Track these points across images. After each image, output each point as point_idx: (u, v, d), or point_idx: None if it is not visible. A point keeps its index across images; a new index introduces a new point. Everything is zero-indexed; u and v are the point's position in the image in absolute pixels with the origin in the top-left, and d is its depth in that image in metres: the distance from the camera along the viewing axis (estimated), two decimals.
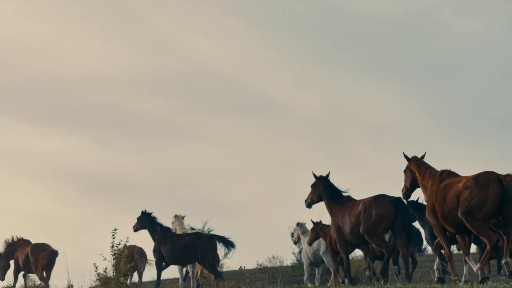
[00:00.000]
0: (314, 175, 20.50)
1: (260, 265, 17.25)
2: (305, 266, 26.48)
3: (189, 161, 63.42)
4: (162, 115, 65.86)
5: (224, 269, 46.04)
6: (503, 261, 14.36)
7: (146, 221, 25.14)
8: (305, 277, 26.12)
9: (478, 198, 14.07)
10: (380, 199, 18.71)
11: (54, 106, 64.53)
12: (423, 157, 16.33)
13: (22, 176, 60.84)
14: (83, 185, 61.56)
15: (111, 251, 18.46)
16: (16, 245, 27.60)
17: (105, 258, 20.03)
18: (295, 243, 28.42)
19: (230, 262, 48.40)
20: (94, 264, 20.03)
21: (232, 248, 23.90)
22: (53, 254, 26.56)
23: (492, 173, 14.34)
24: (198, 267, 25.24)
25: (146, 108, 65.33)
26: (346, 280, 19.79)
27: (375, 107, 65.61)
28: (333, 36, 67.12)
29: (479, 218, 14.08)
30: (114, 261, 18.56)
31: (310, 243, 24.91)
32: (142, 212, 25.47)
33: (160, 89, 66.20)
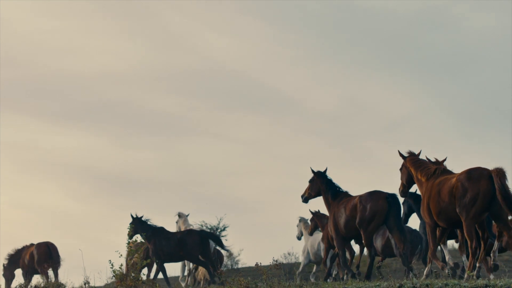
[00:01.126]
0: (312, 171, 20.80)
1: (276, 261, 17.25)
2: (303, 263, 26.70)
3: (204, 157, 63.42)
4: (176, 111, 65.90)
5: (240, 266, 46.15)
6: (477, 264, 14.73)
7: (139, 226, 25.03)
8: (299, 270, 26.17)
9: (471, 193, 14.33)
10: (375, 195, 19.03)
11: (68, 103, 64.66)
12: (419, 154, 16.59)
13: (36, 174, 61.03)
14: (97, 182, 61.68)
15: (127, 248, 18.49)
16: (19, 254, 27.65)
17: (121, 255, 20.07)
18: (299, 238, 28.55)
19: (245, 258, 48.50)
20: (110, 260, 20.08)
21: (222, 247, 24.98)
22: (51, 251, 26.61)
23: (484, 169, 14.52)
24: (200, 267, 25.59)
25: (160, 105, 65.38)
26: (330, 278, 20.21)
27: (390, 103, 65.44)
28: (347, 32, 66.97)
29: (470, 217, 14.39)
30: (128, 257, 18.60)
31: (310, 233, 25.58)
32: (132, 217, 25.25)
33: (174, 86, 66.24)
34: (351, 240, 20.30)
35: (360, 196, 19.32)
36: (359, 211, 18.97)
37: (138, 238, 25.11)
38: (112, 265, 18.42)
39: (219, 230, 46.96)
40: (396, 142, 64.88)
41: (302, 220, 27.56)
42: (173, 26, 66.12)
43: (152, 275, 25.97)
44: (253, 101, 66.20)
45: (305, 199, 21.13)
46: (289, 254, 40.66)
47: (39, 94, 64.42)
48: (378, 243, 22.63)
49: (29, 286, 18.10)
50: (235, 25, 67.01)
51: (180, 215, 27.21)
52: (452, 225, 15.26)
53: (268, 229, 28.81)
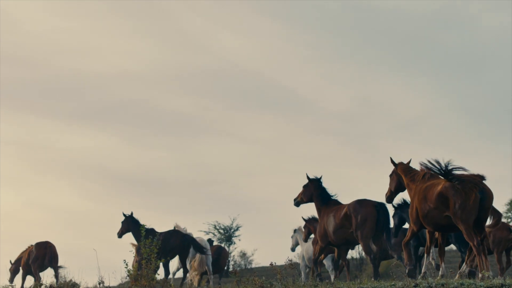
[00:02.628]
0: (308, 177, 21.46)
1: (291, 260, 17.24)
2: (302, 270, 27.11)
3: (218, 157, 63.45)
4: (191, 111, 65.94)
5: (254, 265, 46.15)
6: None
7: (130, 224, 25.77)
8: (302, 277, 26.41)
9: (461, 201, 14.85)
10: (363, 202, 19.98)
11: (83, 103, 64.79)
12: (408, 163, 17.11)
13: (51, 173, 61.19)
14: (112, 182, 61.81)
15: (142, 248, 18.46)
16: (22, 254, 28.33)
17: (135, 255, 20.04)
18: (293, 249, 29.19)
19: (259, 258, 48.56)
20: (124, 260, 20.06)
21: (203, 253, 25.82)
22: (53, 256, 27.15)
23: (462, 174, 15.04)
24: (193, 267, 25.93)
25: (175, 105, 65.45)
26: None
27: (403, 103, 65.29)
28: (361, 32, 66.82)
29: (469, 220, 14.87)
30: (139, 257, 18.60)
31: (305, 239, 26.64)
32: (125, 215, 26.04)
33: (189, 86, 66.30)
34: (337, 246, 21.12)
35: (349, 205, 20.13)
36: (350, 220, 19.85)
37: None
38: (126, 264, 18.42)
39: (232, 230, 47.02)
40: (410, 142, 64.79)
41: (297, 231, 28.20)
42: (188, 27, 66.19)
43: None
44: (268, 101, 66.21)
45: (297, 203, 21.82)
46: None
47: (54, 95, 64.63)
48: (374, 246, 22.55)
49: (43, 286, 18.08)
50: (250, 26, 67.06)
51: (176, 226, 27.57)
52: (438, 229, 15.92)
53: (282, 229, 28.98)
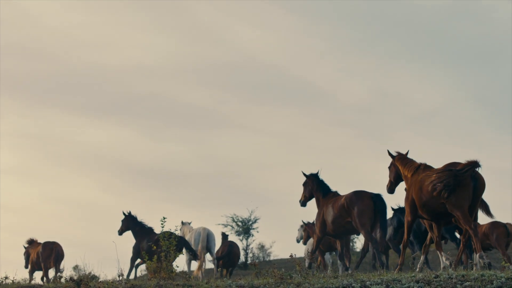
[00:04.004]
0: (304, 174, 22.19)
1: (310, 252, 17.25)
2: (306, 263, 27.56)
3: (235, 150, 63.45)
4: (208, 104, 65.94)
5: (272, 258, 46.15)
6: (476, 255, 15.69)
7: (130, 222, 26.83)
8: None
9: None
10: (360, 194, 20.41)
11: (100, 97, 64.93)
12: (406, 154, 17.53)
13: (69, 167, 61.36)
14: (129, 175, 61.93)
15: (161, 241, 18.49)
16: (32, 246, 29.11)
17: (154, 247, 20.08)
18: (298, 241, 29.69)
19: (277, 250, 48.53)
20: (144, 252, 20.09)
21: (195, 257, 26.02)
22: (59, 255, 27.86)
23: (458, 163, 15.52)
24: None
25: (192, 98, 65.48)
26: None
27: (420, 94, 65.05)
28: (378, 24, 66.55)
29: (463, 207, 15.28)
30: (158, 249, 18.65)
31: (304, 242, 27.97)
32: (124, 214, 27.14)
33: (205, 79, 66.26)
34: (334, 236, 21.70)
35: (346, 196, 20.62)
36: (348, 211, 20.34)
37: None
38: (146, 257, 18.46)
39: (250, 223, 46.99)
40: (427, 134, 64.59)
41: (303, 226, 29.31)
42: (203, 19, 66.14)
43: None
44: (284, 93, 66.12)
45: (302, 202, 22.43)
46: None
47: (71, 88, 64.76)
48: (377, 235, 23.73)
49: (63, 278, 18.16)
50: (266, 18, 66.94)
51: (183, 223, 28.45)
52: (435, 217, 16.33)
53: (299, 221, 29.02)
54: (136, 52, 67.22)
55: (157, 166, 62.98)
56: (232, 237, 46.61)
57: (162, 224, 18.57)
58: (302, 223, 29.17)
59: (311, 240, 27.98)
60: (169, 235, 18.69)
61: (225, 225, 46.89)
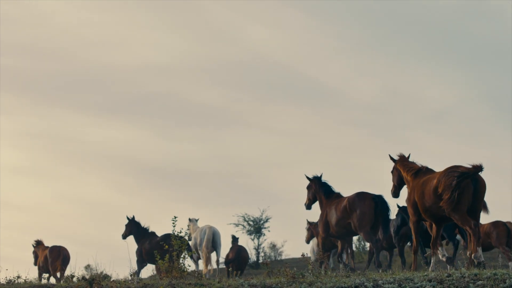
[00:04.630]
0: (307, 177, 22.41)
1: (322, 252, 17.26)
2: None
3: (247, 149, 63.45)
4: (220, 103, 65.96)
5: (284, 257, 46.09)
6: (468, 254, 16.05)
7: (133, 226, 27.75)
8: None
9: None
10: (362, 195, 20.69)
11: (112, 96, 65.04)
12: (408, 157, 17.59)
13: (81, 166, 61.46)
14: (141, 174, 61.98)
15: (174, 239, 18.50)
16: (40, 248, 29.42)
17: (166, 246, 20.10)
18: (308, 242, 29.84)
19: (289, 250, 48.48)
20: (156, 251, 20.13)
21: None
22: (65, 259, 28.23)
23: (459, 166, 15.52)
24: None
25: (204, 97, 65.51)
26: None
27: (432, 93, 64.88)
28: (389, 22, 66.44)
29: (462, 210, 15.33)
30: (170, 248, 18.69)
31: (307, 241, 28.52)
32: (128, 218, 27.93)
33: (217, 78, 66.30)
34: (338, 238, 21.97)
35: (348, 198, 20.92)
36: (350, 213, 20.60)
37: None
38: (157, 256, 18.47)
39: (261, 222, 46.95)
40: (439, 133, 64.43)
41: (308, 224, 29.67)
42: (215, 19, 66.16)
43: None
44: (296, 92, 66.08)
45: (307, 206, 22.71)
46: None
47: (82, 87, 64.88)
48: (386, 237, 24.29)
49: (75, 277, 18.22)
50: (278, 17, 66.88)
51: (190, 220, 28.64)
52: (436, 220, 16.40)
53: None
54: (148, 51, 67.30)
55: (169, 166, 63.06)
56: (244, 236, 46.67)
57: (173, 223, 18.58)
58: (307, 223, 29.38)
59: (314, 240, 28.21)
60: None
61: (237, 225, 46.89)
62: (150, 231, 27.75)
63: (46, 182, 62.05)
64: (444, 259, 16.95)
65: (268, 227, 47.15)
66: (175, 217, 18.48)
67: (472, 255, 15.55)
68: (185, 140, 65.13)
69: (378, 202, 20.55)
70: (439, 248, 16.93)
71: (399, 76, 67.51)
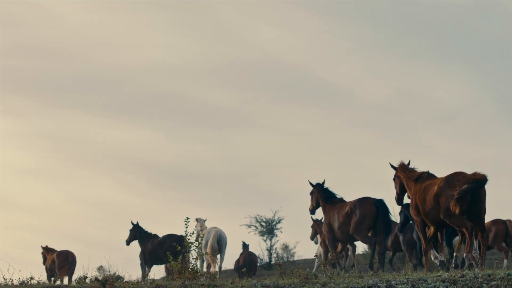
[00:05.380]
0: (310, 183, 22.98)
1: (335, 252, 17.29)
2: (316, 264, 27.88)
3: (258, 150, 63.43)
4: (229, 104, 65.99)
5: (296, 258, 46.02)
6: (464, 255, 16.16)
7: (136, 232, 28.48)
8: (314, 270, 26.87)
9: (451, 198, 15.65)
10: (364, 201, 21.26)
11: (122, 97, 65.13)
12: (408, 164, 17.84)
13: (92, 167, 61.58)
14: (153, 176, 62.05)
15: (185, 240, 18.50)
16: (48, 252, 29.87)
17: (179, 247, 20.09)
18: (312, 239, 29.98)
19: (301, 251, 48.41)
20: (168, 253, 20.14)
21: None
22: (72, 263, 28.74)
23: (460, 173, 15.97)
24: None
25: (213, 98, 65.53)
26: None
27: (444, 94, 64.73)
28: (400, 23, 66.34)
29: (457, 215, 15.61)
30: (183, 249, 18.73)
31: (311, 238, 28.88)
32: (133, 224, 28.64)
33: (228, 79, 66.32)
34: (343, 241, 22.48)
35: (350, 203, 21.52)
36: (351, 217, 21.15)
37: None
38: (170, 258, 18.47)
39: (274, 223, 46.91)
40: (451, 134, 64.27)
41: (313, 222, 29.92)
42: (225, 19, 66.19)
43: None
44: (307, 93, 66.04)
45: (311, 211, 23.52)
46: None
47: (93, 88, 65.01)
48: (388, 239, 24.73)
49: (88, 279, 18.25)
50: (288, 18, 66.85)
51: (197, 220, 28.98)
52: (438, 225, 16.71)
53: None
54: (158, 52, 67.35)
55: (179, 167, 63.10)
56: (256, 238, 46.62)
57: (185, 224, 18.58)
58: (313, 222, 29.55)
59: (318, 237, 28.38)
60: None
61: (249, 226, 46.86)
62: (152, 233, 28.42)
63: (56, 183, 62.17)
64: (436, 261, 17.19)
65: (281, 228, 47.10)
66: (188, 218, 18.49)
67: (464, 255, 15.92)
68: (195, 140, 65.19)
69: (379, 206, 21.09)
70: (432, 251, 17.26)
71: (409, 76, 67.39)
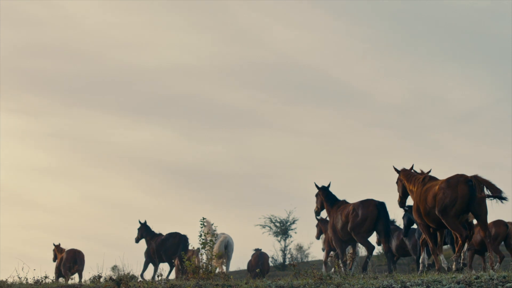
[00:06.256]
0: (316, 186, 23.37)
1: (349, 253, 17.25)
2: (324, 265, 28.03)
3: (273, 150, 63.43)
4: (246, 105, 66.02)
5: (310, 259, 45.99)
6: (452, 257, 16.66)
7: (143, 230, 29.20)
8: (323, 269, 26.77)
9: (450, 198, 16.19)
10: (366, 202, 21.66)
11: (139, 97, 65.28)
12: (411, 168, 18.40)
13: (108, 167, 61.75)
14: (168, 176, 62.16)
15: (199, 240, 18.53)
16: (58, 251, 30.43)
17: (194, 247, 20.11)
18: (318, 238, 29.98)
19: (315, 251, 48.38)
20: (182, 253, 20.17)
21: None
22: (81, 262, 29.27)
23: (462, 175, 16.34)
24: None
25: (230, 99, 65.59)
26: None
27: (460, 95, 64.56)
28: (417, 25, 66.20)
29: (451, 215, 16.18)
30: (196, 248, 18.78)
31: (317, 237, 29.11)
32: (140, 222, 29.32)
33: (244, 80, 66.36)
34: (348, 242, 22.66)
35: (353, 204, 21.94)
36: (352, 217, 21.57)
37: None
38: (184, 257, 18.49)
39: (288, 224, 46.89)
40: (467, 135, 64.10)
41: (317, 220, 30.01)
42: (242, 20, 66.24)
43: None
44: (322, 94, 65.99)
45: (316, 213, 23.90)
46: (358, 247, 40.46)
47: (109, 89, 65.19)
48: (393, 243, 25.71)
49: (102, 278, 18.31)
50: (304, 18, 66.82)
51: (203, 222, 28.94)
52: (439, 225, 17.01)
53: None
54: (174, 52, 67.47)
55: (195, 167, 63.19)
56: (270, 238, 46.61)
57: (201, 224, 18.61)
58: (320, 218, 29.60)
59: (323, 236, 28.44)
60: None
61: (263, 226, 46.86)
62: (157, 232, 29.00)
63: (73, 183, 62.38)
64: (421, 265, 17.87)
65: (295, 228, 47.08)
66: (204, 218, 18.54)
67: (453, 257, 16.41)
68: (211, 141, 65.27)
69: (380, 209, 21.45)
70: (422, 254, 17.94)
71: (426, 78, 67.25)
